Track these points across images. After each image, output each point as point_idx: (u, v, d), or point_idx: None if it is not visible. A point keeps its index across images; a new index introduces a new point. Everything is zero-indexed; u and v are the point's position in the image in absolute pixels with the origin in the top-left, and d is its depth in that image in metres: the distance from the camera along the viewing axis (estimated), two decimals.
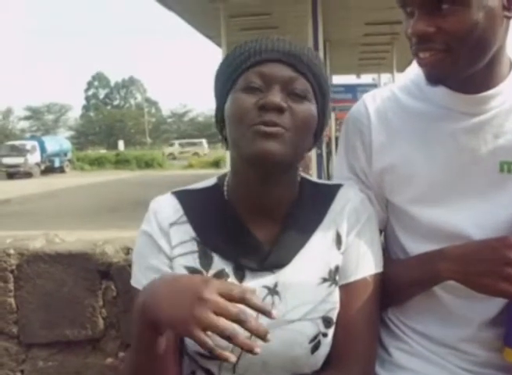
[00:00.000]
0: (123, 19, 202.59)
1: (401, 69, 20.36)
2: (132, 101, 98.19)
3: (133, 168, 38.42)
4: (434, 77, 1.18)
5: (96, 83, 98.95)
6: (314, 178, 1.32)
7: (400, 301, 1.31)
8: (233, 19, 13.49)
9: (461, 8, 1.08)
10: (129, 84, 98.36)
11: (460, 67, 1.15)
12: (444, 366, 1.26)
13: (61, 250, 1.76)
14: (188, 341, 1.16)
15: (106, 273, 1.75)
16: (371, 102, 1.33)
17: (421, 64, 1.17)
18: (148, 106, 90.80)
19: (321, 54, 11.82)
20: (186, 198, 1.24)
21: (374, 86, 13.95)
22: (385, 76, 28.77)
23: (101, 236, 2.07)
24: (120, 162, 40.43)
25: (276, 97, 1.09)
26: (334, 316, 1.17)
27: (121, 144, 60.12)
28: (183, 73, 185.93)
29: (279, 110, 1.09)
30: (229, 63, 1.18)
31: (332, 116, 15.93)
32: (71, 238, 1.98)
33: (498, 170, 1.21)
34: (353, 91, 13.65)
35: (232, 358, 0.93)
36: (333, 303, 1.17)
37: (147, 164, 39.67)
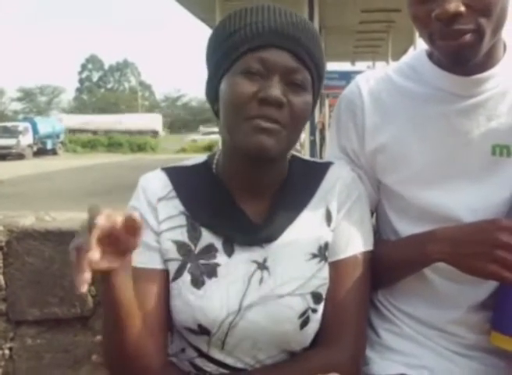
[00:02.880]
0: (119, 2, 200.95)
1: (396, 57, 20.28)
2: (126, 85, 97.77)
3: (125, 151, 38.32)
4: (464, 60, 1.14)
5: (90, 65, 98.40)
6: (305, 156, 1.31)
7: (390, 282, 1.31)
8: (228, 2, 13.39)
9: None
10: (124, 67, 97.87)
11: (484, 47, 1.13)
12: (433, 348, 1.27)
13: (51, 228, 1.75)
14: (178, 318, 1.16)
15: None
16: (364, 83, 1.32)
17: (447, 46, 1.12)
18: (142, 90, 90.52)
19: None
20: (176, 174, 1.24)
21: None
22: (380, 64, 28.70)
23: None
24: (113, 145, 40.33)
25: (277, 90, 1.08)
26: (323, 291, 1.17)
27: None
28: (177, 57, 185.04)
29: (279, 105, 1.08)
30: (225, 36, 1.14)
31: (326, 102, 15.91)
32: (62, 217, 1.97)
33: (490, 153, 1.21)
34: (348, 77, 13.60)
35: None
36: (323, 279, 1.17)
37: (140, 147, 39.56)
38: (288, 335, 1.14)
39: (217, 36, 1.17)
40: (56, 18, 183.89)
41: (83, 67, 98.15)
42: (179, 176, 1.23)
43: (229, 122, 1.13)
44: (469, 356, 1.26)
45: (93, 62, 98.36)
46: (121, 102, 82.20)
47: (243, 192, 1.19)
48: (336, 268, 1.18)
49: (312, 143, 12.10)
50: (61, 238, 1.73)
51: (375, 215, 1.39)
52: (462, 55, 1.13)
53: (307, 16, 11.62)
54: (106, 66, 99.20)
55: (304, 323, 1.14)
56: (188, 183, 1.22)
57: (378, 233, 1.36)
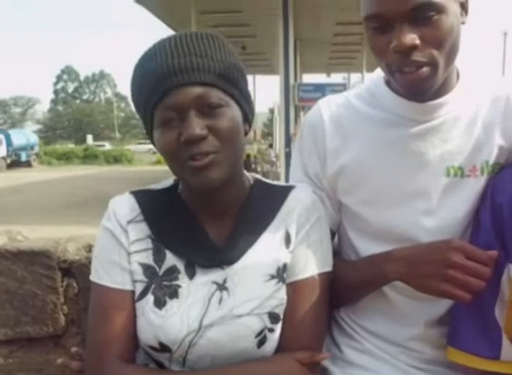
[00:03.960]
0: (94, 12, 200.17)
1: (371, 69, 20.50)
2: (102, 96, 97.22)
3: (101, 163, 38.08)
4: (420, 92, 1.20)
5: (65, 76, 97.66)
6: (268, 180, 1.35)
7: (350, 300, 1.36)
8: (204, 15, 13.45)
9: (442, 16, 1.13)
10: (100, 78, 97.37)
11: (439, 78, 1.19)
12: (393, 364, 1.32)
13: (23, 248, 1.77)
14: (141, 336, 1.19)
15: (68, 271, 1.77)
16: (325, 109, 1.37)
17: (405, 80, 1.18)
18: (118, 101, 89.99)
19: (291, 52, 11.92)
20: (144, 198, 1.27)
21: (343, 85, 14.04)
22: (355, 76, 29.00)
23: (64, 233, 2.08)
24: (88, 157, 40.03)
25: (193, 127, 1.10)
26: (281, 312, 1.20)
27: (89, 139, 59.49)
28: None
29: (202, 139, 1.11)
30: (136, 96, 1.19)
31: (302, 114, 16.01)
32: (34, 235, 1.99)
33: (445, 174, 1.26)
34: (323, 90, 13.69)
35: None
36: (280, 299, 1.21)
37: (116, 159, 39.33)
38: (246, 353, 1.17)
39: (132, 96, 1.22)
40: (30, 27, 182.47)
41: (59, 78, 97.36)
42: (146, 200, 1.27)
43: (171, 168, 1.18)
44: (427, 370, 1.30)
45: (68, 73, 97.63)
46: (96, 114, 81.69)
47: (206, 215, 1.24)
48: (294, 289, 1.22)
49: (288, 154, 12.17)
50: (33, 258, 1.75)
51: (337, 234, 1.43)
52: (418, 88, 1.18)
53: (282, 29, 11.72)
54: (82, 77, 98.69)
55: (261, 342, 1.17)
56: (155, 206, 1.26)
57: (339, 252, 1.41)
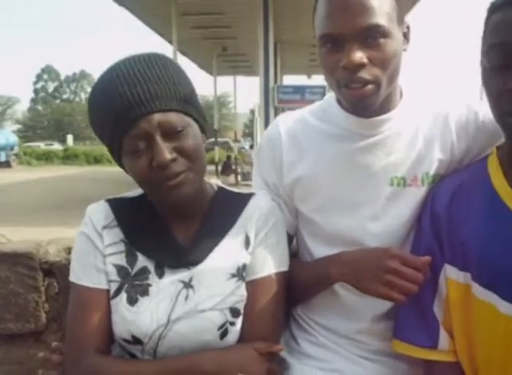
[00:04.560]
0: (76, 13, 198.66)
1: None
2: (82, 96, 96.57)
3: (81, 163, 37.88)
4: (363, 107, 1.33)
5: (45, 76, 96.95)
6: (231, 188, 1.48)
7: (305, 298, 1.49)
8: (185, 16, 13.51)
9: (388, 40, 1.27)
10: (81, 78, 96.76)
11: (381, 95, 1.33)
12: (343, 354, 1.45)
13: (6, 250, 1.88)
14: (115, 330, 1.31)
15: (49, 271, 1.88)
16: (283, 124, 1.51)
17: (351, 95, 1.30)
18: None
19: (271, 55, 12.03)
20: (117, 205, 1.40)
21: (322, 88, 14.13)
22: None
23: (46, 236, 2.19)
24: (69, 158, 39.74)
25: (163, 152, 1.20)
26: (241, 307, 1.33)
27: (70, 139, 59.16)
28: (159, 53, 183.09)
29: (172, 162, 1.22)
30: (102, 122, 1.25)
31: None
32: (16, 237, 2.09)
33: (389, 184, 1.40)
34: (302, 92, 13.85)
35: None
36: (240, 296, 1.33)
37: (96, 160, 39.07)
38: (210, 345, 1.29)
39: (94, 125, 1.30)
40: (10, 27, 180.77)
41: (39, 77, 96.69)
42: (120, 207, 1.39)
43: (145, 189, 1.31)
44: (375, 360, 1.44)
45: (48, 72, 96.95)
46: (77, 113, 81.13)
47: (174, 221, 1.36)
48: (253, 286, 1.34)
49: None
50: (16, 260, 1.86)
51: (295, 238, 1.57)
52: (363, 103, 1.31)
53: (263, 31, 11.83)
54: (62, 77, 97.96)
55: (223, 334, 1.30)
56: (128, 213, 1.38)
57: (298, 255, 1.54)
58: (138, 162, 1.23)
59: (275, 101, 12.69)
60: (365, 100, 1.30)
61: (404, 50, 1.35)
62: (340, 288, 1.43)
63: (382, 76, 1.29)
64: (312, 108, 1.53)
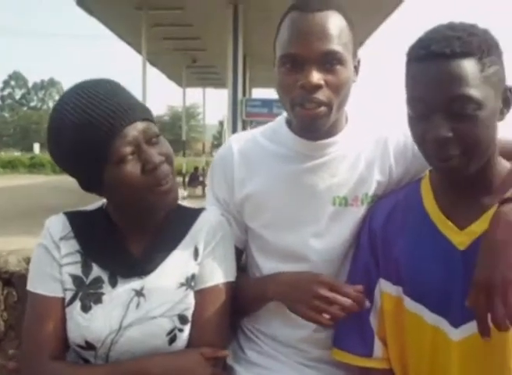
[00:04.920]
0: (45, 20, 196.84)
1: None
2: (50, 104, 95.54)
3: (48, 172, 37.45)
4: (314, 127, 1.42)
5: (12, 82, 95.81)
6: (183, 203, 1.56)
7: (249, 311, 1.58)
8: (155, 28, 13.54)
9: (343, 68, 1.39)
10: (49, 86, 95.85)
11: (331, 118, 1.43)
12: (286, 362, 1.54)
13: None
14: (70, 336, 1.38)
15: (8, 281, 1.93)
16: (235, 143, 1.60)
17: (304, 115, 1.39)
18: None
19: (240, 68, 12.13)
20: (75, 218, 1.47)
21: None
22: None
23: (7, 245, 2.24)
24: (35, 166, 39.28)
25: (155, 155, 1.32)
26: (189, 314, 1.41)
27: (36, 147, 58.47)
28: (103, 76, 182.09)
29: (161, 164, 1.33)
30: (83, 139, 1.28)
31: (249, 129, 16.21)
32: None
33: (331, 203, 1.49)
34: (270, 105, 13.91)
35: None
36: (188, 304, 1.41)
37: None
38: (159, 350, 1.37)
39: (74, 134, 1.30)
40: None
41: (6, 84, 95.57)
42: (77, 220, 1.46)
43: (133, 198, 1.35)
44: (316, 368, 1.54)
45: (16, 78, 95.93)
46: (44, 121, 79.99)
47: (128, 233, 1.44)
48: (201, 295, 1.43)
49: None
50: None
51: (245, 253, 1.65)
52: (314, 123, 1.41)
53: (232, 44, 11.93)
54: (30, 84, 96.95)
55: (172, 340, 1.38)
56: (84, 225, 1.45)
57: (247, 269, 1.63)
58: (128, 169, 1.30)
59: (243, 114, 12.73)
60: (317, 121, 1.39)
61: (354, 81, 1.46)
62: None
63: (335, 99, 1.39)
64: (263, 130, 1.63)
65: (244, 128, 15.39)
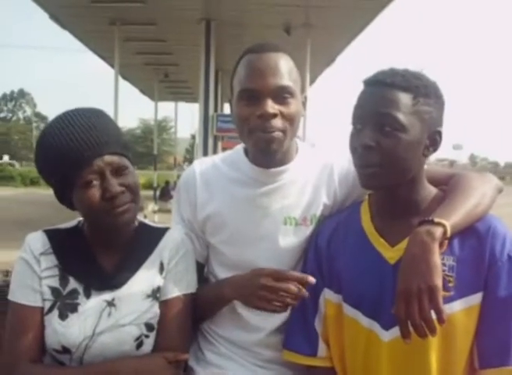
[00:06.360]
0: (15, 31, 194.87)
1: None
2: (20, 115, 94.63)
3: (17, 185, 37.02)
4: (269, 151, 1.61)
5: None
6: (151, 222, 1.76)
7: (210, 314, 1.76)
8: (128, 42, 13.60)
9: (294, 101, 1.60)
10: (19, 97, 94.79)
11: (286, 144, 1.63)
12: (241, 363, 1.74)
13: None
14: (47, 342, 1.54)
15: None
16: (198, 168, 1.79)
17: (262, 139, 1.57)
18: (37, 121, 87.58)
19: (211, 83, 12.25)
20: (53, 235, 1.64)
21: None
22: None
23: None
24: (4, 179, 38.69)
25: (114, 186, 1.49)
26: (155, 322, 1.59)
27: (5, 159, 57.70)
28: (75, 90, 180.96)
29: (122, 193, 1.51)
30: (56, 164, 1.49)
31: (220, 145, 16.28)
32: None
33: (283, 223, 1.69)
34: None
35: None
36: (154, 313, 1.59)
37: (33, 181, 38.05)
38: (128, 354, 1.54)
39: (45, 167, 1.55)
40: None
41: None
42: (55, 237, 1.64)
43: (92, 217, 1.55)
44: (268, 368, 1.73)
45: None
46: (13, 133, 79.19)
47: (101, 249, 1.62)
48: (165, 305, 1.61)
49: None
50: None
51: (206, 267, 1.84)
52: (270, 148, 1.59)
53: (204, 59, 12.04)
54: None
55: (139, 345, 1.56)
56: (62, 242, 1.63)
57: (208, 279, 1.82)
58: (91, 193, 1.49)
59: (214, 129, 12.80)
60: (273, 145, 1.59)
61: (302, 115, 1.67)
62: (239, 307, 1.71)
63: (288, 128, 1.60)
64: (224, 156, 1.83)
65: (216, 143, 15.50)
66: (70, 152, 1.48)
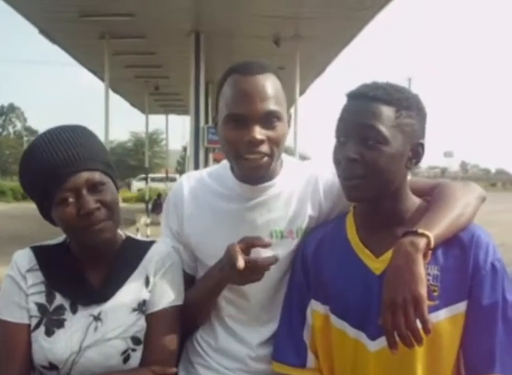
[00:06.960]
0: (4, 46, 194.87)
1: None
2: (10, 129, 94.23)
3: (9, 200, 36.85)
4: (256, 176, 1.64)
5: None
6: (137, 236, 1.77)
7: (204, 312, 1.75)
8: (117, 56, 13.63)
9: (281, 124, 1.61)
10: (9, 111, 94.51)
11: (273, 167, 1.65)
12: None
13: None
14: (35, 358, 1.55)
15: None
16: (186, 182, 1.81)
17: (249, 166, 1.59)
18: (28, 135, 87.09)
19: (202, 96, 12.28)
20: (40, 252, 1.65)
21: None
22: None
23: None
24: None
25: (89, 203, 1.50)
26: (141, 336, 1.60)
27: None
28: (65, 104, 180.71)
29: (97, 210, 1.51)
30: (34, 180, 1.52)
31: (211, 156, 16.34)
32: None
33: (269, 236, 1.70)
34: None
35: None
36: (140, 326, 1.60)
37: (24, 196, 37.77)
38: (115, 368, 1.55)
39: (27, 183, 1.57)
40: None
41: None
42: (42, 253, 1.65)
43: (71, 235, 1.58)
44: None
45: None
46: (4, 148, 78.85)
47: (87, 265, 1.63)
48: (152, 318, 1.62)
49: None
50: None
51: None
52: (257, 172, 1.62)
53: (194, 72, 12.07)
54: None
55: (126, 359, 1.56)
56: (48, 258, 1.64)
57: None
58: (67, 210, 1.50)
59: (205, 141, 12.80)
60: (259, 171, 1.61)
61: (287, 133, 1.68)
62: (231, 321, 1.73)
63: (276, 151, 1.61)
64: (211, 171, 1.84)
65: (207, 155, 15.54)
66: (49, 169, 1.49)
